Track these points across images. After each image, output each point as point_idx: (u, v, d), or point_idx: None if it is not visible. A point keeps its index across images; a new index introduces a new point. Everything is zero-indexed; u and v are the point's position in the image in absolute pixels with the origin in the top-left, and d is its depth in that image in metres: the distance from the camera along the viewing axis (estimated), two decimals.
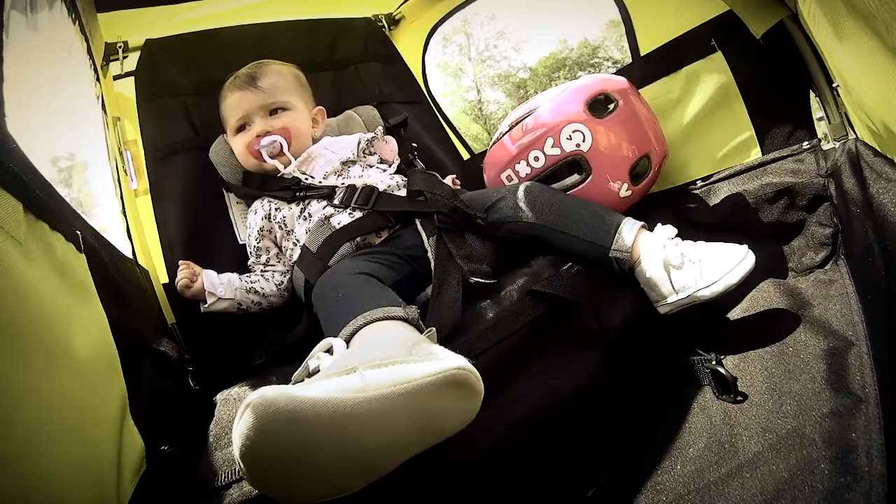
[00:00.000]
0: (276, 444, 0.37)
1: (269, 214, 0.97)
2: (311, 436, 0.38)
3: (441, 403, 0.45)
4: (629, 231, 0.77)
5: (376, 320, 0.57)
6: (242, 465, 0.38)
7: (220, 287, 0.92)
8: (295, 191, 0.95)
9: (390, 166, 1.04)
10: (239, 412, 0.38)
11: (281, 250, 0.98)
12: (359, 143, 1.01)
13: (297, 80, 1.07)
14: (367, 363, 0.44)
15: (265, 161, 0.96)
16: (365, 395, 0.40)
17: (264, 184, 1.00)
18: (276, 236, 0.97)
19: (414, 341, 0.52)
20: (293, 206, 0.95)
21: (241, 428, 0.37)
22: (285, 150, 0.95)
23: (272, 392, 0.38)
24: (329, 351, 0.53)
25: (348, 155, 0.99)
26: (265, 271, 0.98)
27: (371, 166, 1.01)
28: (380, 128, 1.11)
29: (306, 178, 0.94)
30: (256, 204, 1.00)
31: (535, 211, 0.83)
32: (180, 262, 0.93)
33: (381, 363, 0.44)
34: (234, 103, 1.00)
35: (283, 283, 0.97)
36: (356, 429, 0.40)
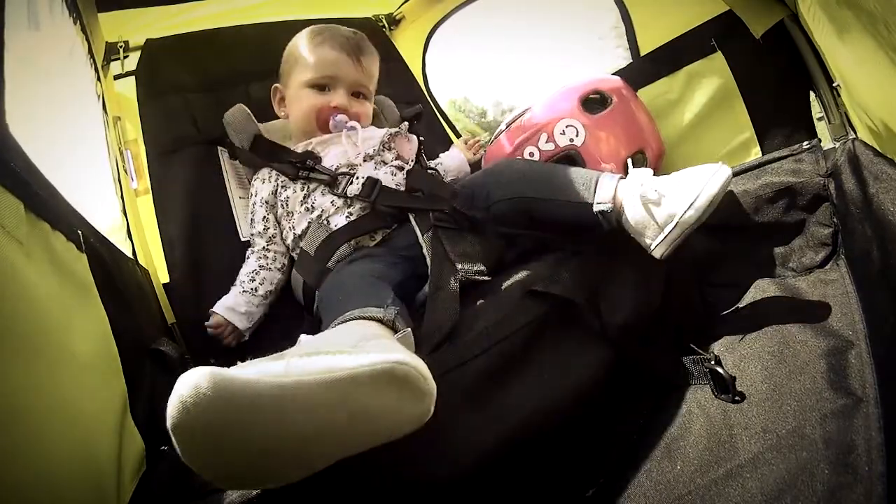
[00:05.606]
0: (200, 422, 0.37)
1: (276, 190, 0.96)
2: (234, 416, 0.37)
3: (377, 399, 0.42)
4: (608, 183, 0.77)
5: (351, 320, 0.57)
6: (173, 439, 0.38)
7: (243, 318, 0.91)
8: (299, 168, 0.94)
9: (407, 163, 0.99)
10: (174, 388, 0.38)
11: (279, 226, 0.98)
12: (382, 139, 0.98)
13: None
14: (298, 352, 0.43)
15: (321, 132, 0.96)
16: (281, 380, 0.39)
17: (272, 154, 0.99)
18: (276, 213, 0.97)
19: (370, 336, 0.50)
20: (297, 187, 0.94)
21: (169, 404, 0.37)
22: (356, 137, 0.94)
23: (199, 371, 0.37)
24: None
25: (368, 150, 0.96)
26: (267, 251, 0.96)
27: (385, 163, 0.97)
28: (405, 124, 1.09)
29: (312, 164, 0.93)
30: (264, 173, 0.99)
31: (520, 184, 0.83)
32: (209, 327, 0.90)
33: (312, 352, 0.42)
34: (330, 59, 0.96)
35: (284, 264, 0.97)
36: (276, 414, 0.39)
